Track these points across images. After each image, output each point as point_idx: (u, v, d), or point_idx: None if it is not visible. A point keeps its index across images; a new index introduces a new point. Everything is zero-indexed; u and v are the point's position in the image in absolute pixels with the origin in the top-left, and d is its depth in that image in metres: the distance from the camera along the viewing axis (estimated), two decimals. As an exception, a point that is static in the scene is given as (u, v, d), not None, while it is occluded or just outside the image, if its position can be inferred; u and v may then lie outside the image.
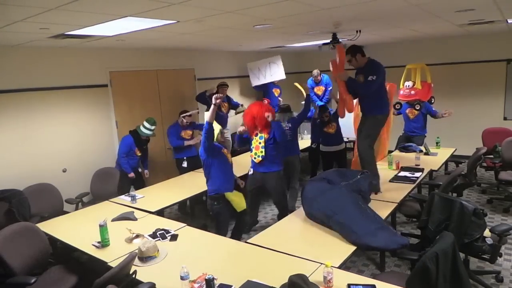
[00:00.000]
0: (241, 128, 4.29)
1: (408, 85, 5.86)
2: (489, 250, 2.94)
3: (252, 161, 4.21)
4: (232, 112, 6.55)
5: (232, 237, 3.87)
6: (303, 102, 5.00)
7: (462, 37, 6.88)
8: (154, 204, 3.91)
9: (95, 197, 4.76)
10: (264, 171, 4.15)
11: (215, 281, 2.28)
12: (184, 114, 5.19)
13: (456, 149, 5.70)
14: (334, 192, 3.25)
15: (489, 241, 2.94)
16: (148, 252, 2.68)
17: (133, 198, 4.03)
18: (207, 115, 3.64)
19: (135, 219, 3.53)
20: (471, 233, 2.89)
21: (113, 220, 3.49)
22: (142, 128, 4.87)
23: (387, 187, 4.08)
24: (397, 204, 3.59)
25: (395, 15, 3.90)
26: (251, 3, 2.82)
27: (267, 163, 4.12)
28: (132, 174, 4.83)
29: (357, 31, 4.84)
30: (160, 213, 3.82)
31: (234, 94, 7.21)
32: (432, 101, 6.01)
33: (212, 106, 3.43)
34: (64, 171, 4.86)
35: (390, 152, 5.57)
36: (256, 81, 6.98)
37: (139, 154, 4.95)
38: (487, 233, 2.96)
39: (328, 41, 5.10)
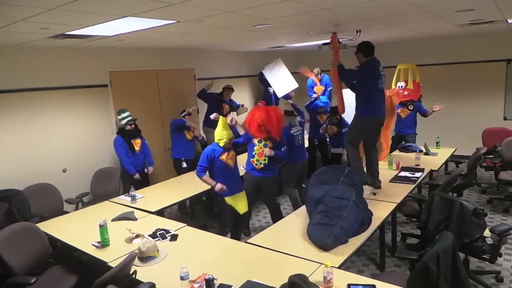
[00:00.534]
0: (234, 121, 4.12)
1: (401, 86, 5.89)
2: (489, 250, 2.94)
3: (250, 164, 4.20)
4: (234, 114, 6.54)
5: (232, 234, 3.90)
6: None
7: (462, 37, 6.88)
8: (154, 204, 3.91)
9: (95, 197, 4.75)
10: (262, 175, 4.17)
11: (215, 281, 2.28)
12: (184, 114, 5.19)
13: (456, 149, 5.70)
14: (338, 190, 3.18)
15: (489, 241, 2.95)
16: (148, 252, 2.68)
17: (133, 198, 4.03)
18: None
19: (135, 219, 3.53)
20: (471, 233, 2.89)
21: (113, 220, 3.49)
22: (120, 122, 4.79)
23: (387, 187, 4.09)
24: (397, 204, 3.59)
25: (395, 15, 3.90)
26: (251, 3, 2.82)
27: (266, 169, 4.16)
28: (137, 176, 4.73)
29: (357, 31, 4.84)
30: (160, 213, 3.82)
31: (234, 94, 7.19)
32: (421, 100, 6.08)
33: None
34: (64, 171, 4.86)
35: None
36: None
37: (137, 148, 4.83)
38: (487, 233, 2.97)
39: (328, 41, 5.10)
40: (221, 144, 3.71)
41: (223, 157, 3.74)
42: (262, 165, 4.11)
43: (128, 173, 4.71)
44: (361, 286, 2.22)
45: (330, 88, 6.96)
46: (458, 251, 2.40)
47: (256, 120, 4.00)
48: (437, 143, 5.81)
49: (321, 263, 2.45)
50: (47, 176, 4.54)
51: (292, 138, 4.66)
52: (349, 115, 4.72)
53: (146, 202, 4.02)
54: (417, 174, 4.44)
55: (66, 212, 4.14)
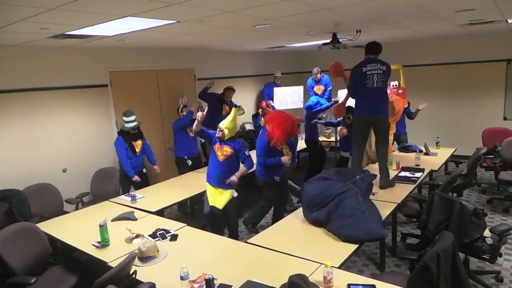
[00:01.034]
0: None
1: (395, 85, 5.90)
2: (489, 250, 2.94)
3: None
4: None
5: (229, 233, 4.00)
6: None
7: (462, 37, 6.88)
8: (154, 204, 3.91)
9: (95, 197, 4.75)
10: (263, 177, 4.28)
11: (215, 281, 2.28)
12: (181, 107, 5.24)
13: (456, 149, 5.70)
14: (335, 187, 3.22)
15: (489, 241, 2.94)
16: (148, 252, 2.68)
17: (133, 198, 4.02)
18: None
19: (135, 219, 3.53)
20: (471, 233, 2.89)
21: (113, 220, 3.48)
22: (124, 124, 4.71)
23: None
24: (397, 204, 3.59)
25: (395, 15, 3.90)
26: (251, 3, 2.82)
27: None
28: (136, 178, 4.66)
29: (357, 31, 4.84)
30: (160, 213, 3.82)
31: (234, 94, 7.19)
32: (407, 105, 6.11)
33: (196, 122, 3.67)
34: (64, 171, 4.86)
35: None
36: (277, 104, 7.00)
37: (138, 150, 4.81)
38: (487, 233, 2.96)
39: (328, 41, 5.10)
40: (218, 134, 3.78)
41: (216, 146, 3.87)
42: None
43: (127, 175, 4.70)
44: (361, 286, 2.22)
45: (330, 88, 6.96)
46: (458, 251, 2.40)
47: (287, 130, 4.00)
48: (437, 143, 5.81)
49: (321, 263, 2.45)
50: (47, 176, 4.54)
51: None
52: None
53: (146, 202, 4.02)
54: (417, 174, 4.44)
55: (66, 212, 4.14)
